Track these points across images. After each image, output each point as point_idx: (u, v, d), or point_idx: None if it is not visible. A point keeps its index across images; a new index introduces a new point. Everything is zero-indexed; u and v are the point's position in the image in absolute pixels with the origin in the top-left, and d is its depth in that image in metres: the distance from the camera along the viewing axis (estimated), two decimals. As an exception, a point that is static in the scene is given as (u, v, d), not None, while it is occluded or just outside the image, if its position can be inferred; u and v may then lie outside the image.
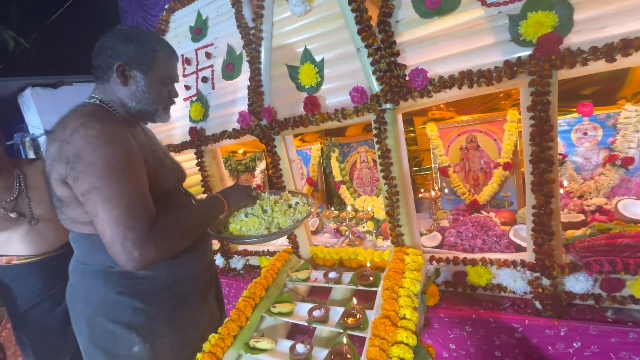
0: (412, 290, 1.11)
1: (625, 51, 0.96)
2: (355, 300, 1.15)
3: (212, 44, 1.92)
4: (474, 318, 1.28)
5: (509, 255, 1.40)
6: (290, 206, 1.24)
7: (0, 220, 1.50)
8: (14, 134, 4.70)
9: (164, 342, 1.02)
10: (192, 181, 2.07)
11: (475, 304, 1.33)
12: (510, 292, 1.31)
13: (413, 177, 2.21)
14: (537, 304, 1.23)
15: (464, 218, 1.77)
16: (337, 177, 2.39)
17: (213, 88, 1.91)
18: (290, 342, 1.07)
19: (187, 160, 2.14)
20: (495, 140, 1.91)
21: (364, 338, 0.98)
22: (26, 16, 5.42)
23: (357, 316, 1.09)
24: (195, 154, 1.99)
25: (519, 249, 1.44)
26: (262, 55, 1.63)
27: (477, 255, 1.42)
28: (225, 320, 1.15)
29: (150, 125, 1.25)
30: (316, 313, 1.15)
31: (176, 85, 1.12)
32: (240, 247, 2.09)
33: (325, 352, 1.00)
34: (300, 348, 1.02)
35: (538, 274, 1.23)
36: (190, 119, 1.97)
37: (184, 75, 2.02)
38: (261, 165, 2.74)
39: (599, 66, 1.02)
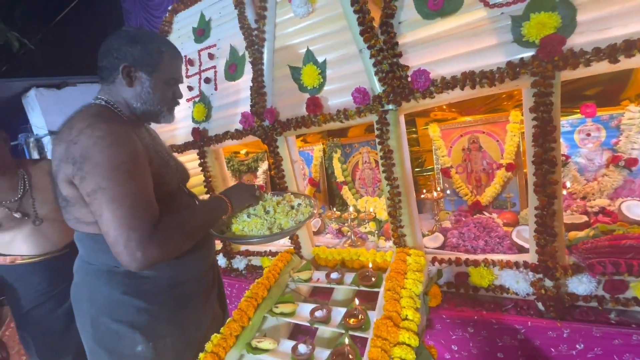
0: (414, 291, 1.11)
1: (628, 52, 0.96)
2: (357, 301, 1.15)
3: (214, 45, 1.93)
4: (476, 319, 1.28)
5: (511, 256, 1.40)
6: (292, 207, 1.24)
7: (5, 220, 1.51)
8: (18, 134, 4.73)
9: (166, 341, 1.03)
10: (195, 181, 2.07)
11: (478, 305, 1.33)
12: (512, 293, 1.30)
13: (415, 178, 2.21)
14: (540, 305, 1.23)
15: (466, 219, 1.76)
16: (339, 177, 2.39)
17: (216, 89, 1.92)
18: (292, 343, 1.07)
19: (189, 160, 2.15)
20: (497, 141, 1.90)
21: (366, 339, 0.99)
22: (30, 17, 5.46)
23: (359, 317, 1.09)
24: (198, 154, 2.00)
25: (521, 250, 1.44)
26: (265, 56, 1.63)
27: (480, 257, 1.42)
28: (227, 321, 1.16)
29: (153, 126, 1.26)
30: (318, 313, 1.15)
31: (179, 86, 1.12)
32: (243, 248, 2.10)
33: (327, 353, 1.01)
34: (303, 348, 1.02)
35: (541, 275, 1.23)
36: (193, 120, 1.97)
37: (187, 76, 2.03)
38: (263, 166, 2.75)
39: (602, 67, 1.02)
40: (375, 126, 1.39)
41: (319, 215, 2.32)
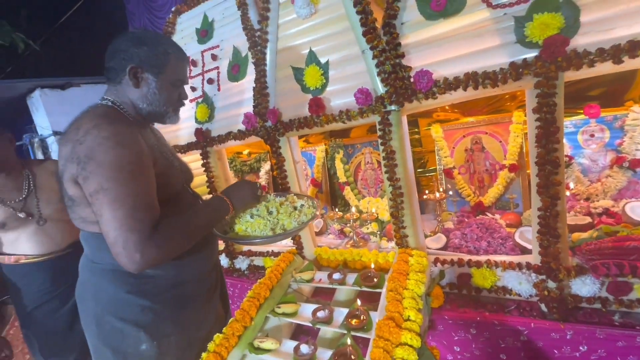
0: (417, 291, 1.11)
1: (632, 53, 0.96)
2: (359, 302, 1.15)
3: (218, 46, 1.94)
4: (479, 320, 1.28)
5: (514, 257, 1.39)
6: (295, 208, 1.25)
7: (9, 220, 1.52)
8: (23, 134, 4.76)
9: (170, 340, 1.03)
10: (198, 182, 2.08)
11: (480, 307, 1.33)
12: (515, 294, 1.30)
13: (418, 178, 2.21)
14: (543, 306, 1.22)
15: (468, 220, 1.76)
16: (342, 178, 2.39)
17: (219, 89, 1.93)
18: (294, 343, 1.07)
19: (192, 161, 2.15)
20: (500, 141, 1.90)
21: (368, 339, 0.98)
22: (35, 19, 5.51)
23: (361, 317, 1.09)
24: (201, 154, 2.00)
25: (524, 251, 1.43)
26: (268, 57, 1.64)
27: (482, 257, 1.41)
28: (230, 320, 1.16)
29: (157, 126, 1.26)
30: (320, 314, 1.15)
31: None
32: (245, 248, 2.10)
33: (329, 353, 1.01)
34: (305, 349, 1.02)
35: (544, 277, 1.23)
36: (196, 120, 1.98)
37: (190, 77, 2.04)
38: (266, 166, 2.75)
39: (606, 68, 1.02)
40: (378, 127, 1.39)
41: (321, 216, 2.32)
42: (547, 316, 1.20)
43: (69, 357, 1.64)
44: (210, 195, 2.02)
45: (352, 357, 0.96)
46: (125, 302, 0.99)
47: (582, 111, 1.68)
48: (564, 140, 1.42)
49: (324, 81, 1.49)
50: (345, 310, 1.15)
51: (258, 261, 2.03)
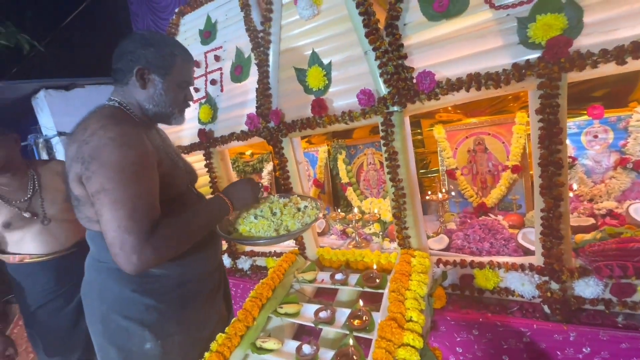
0: (419, 292, 1.11)
1: (636, 54, 0.95)
2: (361, 302, 1.15)
3: (221, 47, 1.95)
4: (481, 321, 1.27)
5: (517, 258, 1.39)
6: (299, 209, 1.25)
7: (14, 220, 1.53)
8: (28, 135, 4.80)
9: (174, 340, 1.04)
10: (201, 182, 2.09)
11: (483, 308, 1.33)
12: (518, 295, 1.30)
13: (420, 179, 2.21)
14: (546, 308, 1.22)
15: (471, 221, 1.75)
16: (344, 179, 2.39)
17: (222, 90, 1.94)
18: (296, 343, 1.07)
19: (195, 161, 2.16)
20: (503, 142, 1.89)
21: (370, 340, 0.99)
22: (40, 20, 5.56)
23: (364, 318, 1.09)
24: (204, 155, 2.01)
25: (527, 252, 1.43)
26: (271, 58, 1.65)
27: (485, 259, 1.41)
28: (232, 320, 1.16)
29: (161, 127, 1.27)
30: (322, 314, 1.15)
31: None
32: (248, 248, 2.11)
33: (331, 354, 1.01)
34: (307, 349, 1.02)
35: (547, 278, 1.22)
36: (199, 121, 1.99)
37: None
38: (268, 167, 2.76)
39: (609, 69, 1.01)
40: (380, 128, 1.39)
41: (323, 217, 2.32)
42: (550, 318, 1.20)
43: (73, 355, 1.65)
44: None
45: (354, 357, 0.97)
46: (130, 301, 1.00)
47: (585, 112, 1.68)
48: (567, 141, 1.41)
49: (327, 82, 1.49)
50: (347, 311, 1.15)
51: (260, 261, 2.04)
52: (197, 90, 2.03)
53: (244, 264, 2.07)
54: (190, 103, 1.15)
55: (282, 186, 1.78)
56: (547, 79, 1.07)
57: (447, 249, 1.61)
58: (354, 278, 1.35)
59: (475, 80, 1.16)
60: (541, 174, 1.15)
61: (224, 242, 2.10)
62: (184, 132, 2.09)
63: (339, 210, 2.24)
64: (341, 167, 2.40)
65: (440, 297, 1.36)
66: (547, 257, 1.20)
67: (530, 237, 1.46)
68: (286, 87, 1.63)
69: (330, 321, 1.13)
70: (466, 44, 1.20)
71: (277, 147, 1.70)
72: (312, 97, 1.53)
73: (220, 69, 1.95)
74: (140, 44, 0.98)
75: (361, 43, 1.37)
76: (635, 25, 0.97)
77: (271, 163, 2.75)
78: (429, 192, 1.96)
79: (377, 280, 1.27)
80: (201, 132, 1.95)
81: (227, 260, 2.14)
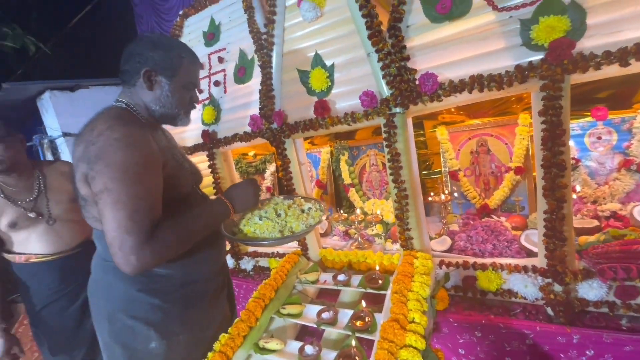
0: (421, 294, 1.11)
1: (639, 55, 0.95)
2: (364, 303, 1.15)
3: (224, 49, 1.96)
4: (484, 323, 1.27)
5: (520, 260, 1.38)
6: (303, 211, 1.26)
7: (20, 220, 1.55)
8: (33, 135, 4.84)
9: (179, 339, 1.05)
10: (204, 182, 2.08)
11: (485, 309, 1.32)
12: (521, 297, 1.29)
13: (423, 180, 2.20)
14: (549, 310, 1.22)
15: (474, 222, 1.75)
16: (347, 180, 2.40)
17: (225, 92, 1.95)
18: (299, 344, 1.08)
19: (199, 162, 2.17)
20: (506, 144, 1.89)
21: (373, 341, 0.99)
22: (46, 22, 5.61)
23: (366, 319, 1.09)
24: (207, 156, 2.02)
25: (530, 254, 1.42)
26: (274, 59, 1.65)
27: (488, 260, 1.41)
28: (235, 321, 1.17)
29: (165, 128, 1.28)
30: (325, 315, 1.16)
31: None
32: (250, 249, 2.12)
33: (333, 354, 1.01)
34: (309, 349, 1.03)
35: (550, 280, 1.22)
36: (203, 122, 2.00)
37: (197, 80, 2.06)
38: (271, 168, 2.77)
39: (613, 70, 1.01)
40: (383, 129, 1.39)
41: (326, 218, 2.32)
42: (554, 320, 1.20)
43: (77, 354, 1.66)
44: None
45: (357, 358, 0.97)
46: (136, 300, 1.01)
47: (589, 113, 1.67)
48: (571, 143, 1.40)
49: (330, 84, 1.50)
50: (350, 312, 1.16)
51: (263, 262, 2.05)
52: (200, 91, 2.03)
53: (247, 264, 2.08)
54: (196, 104, 1.16)
55: (285, 187, 1.79)
56: (550, 81, 1.07)
57: (449, 250, 1.61)
58: (356, 279, 1.35)
59: (477, 82, 1.16)
60: (544, 176, 1.15)
61: (227, 243, 2.11)
62: (187, 133, 2.11)
63: (342, 211, 2.24)
64: (344, 168, 2.40)
65: (442, 298, 1.36)
66: (550, 259, 1.20)
67: (533, 238, 1.45)
68: (289, 89, 1.64)
69: (332, 322, 1.14)
70: (469, 45, 1.20)
71: (280, 148, 1.71)
72: (315, 99, 1.54)
73: (223, 70, 1.96)
74: (148, 47, 0.99)
75: (364, 45, 1.38)
76: (639, 27, 0.97)
77: (274, 164, 2.76)
78: (432, 194, 1.96)
79: (380, 282, 1.27)
80: (204, 133, 1.96)
81: (230, 261, 2.15)
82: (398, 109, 1.33)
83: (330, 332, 1.19)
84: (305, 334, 1.34)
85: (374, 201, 2.19)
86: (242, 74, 1.85)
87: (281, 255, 1.94)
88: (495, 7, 1.15)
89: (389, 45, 1.31)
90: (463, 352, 1.33)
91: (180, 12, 2.19)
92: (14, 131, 1.56)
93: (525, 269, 1.29)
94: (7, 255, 1.58)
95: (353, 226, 1.99)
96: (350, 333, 1.07)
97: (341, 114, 1.46)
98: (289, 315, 1.23)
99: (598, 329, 1.11)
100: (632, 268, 1.07)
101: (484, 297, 1.38)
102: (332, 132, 1.61)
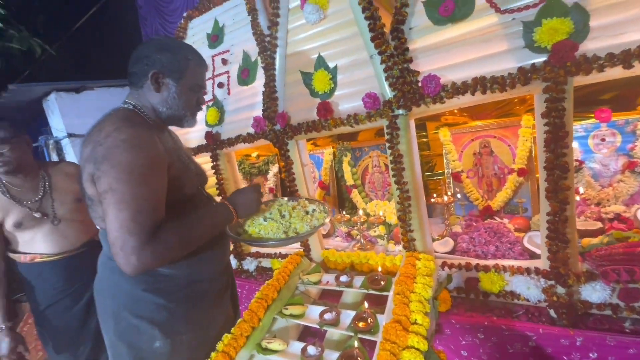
0: (424, 295, 1.11)
1: (643, 57, 0.95)
2: (366, 304, 1.16)
3: (228, 51, 1.97)
4: (487, 325, 1.27)
5: (522, 262, 1.38)
6: (307, 212, 1.27)
7: (26, 220, 1.57)
8: (39, 136, 4.88)
9: (183, 339, 1.06)
10: (208, 183, 2.11)
11: (488, 311, 1.32)
12: (523, 299, 1.29)
13: (425, 182, 2.20)
14: (552, 312, 1.21)
15: (476, 224, 1.75)
16: (349, 181, 2.40)
17: (229, 93, 1.96)
18: (301, 344, 1.08)
19: (202, 163, 2.18)
20: (509, 145, 1.89)
21: (375, 342, 0.99)
22: (52, 25, 5.67)
23: (368, 320, 1.09)
24: (211, 157, 2.04)
25: (533, 256, 1.42)
26: (277, 61, 1.66)
27: (490, 262, 1.41)
28: (238, 321, 1.18)
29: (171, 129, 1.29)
30: (327, 316, 1.16)
31: None
32: (253, 249, 2.13)
33: (336, 355, 1.01)
34: (312, 350, 1.03)
35: (552, 282, 1.22)
36: (207, 123, 2.02)
37: (201, 81, 2.08)
38: (274, 169, 2.77)
39: (616, 72, 1.01)
40: (386, 131, 1.40)
41: (329, 219, 2.33)
42: (556, 322, 1.19)
43: (81, 352, 1.68)
44: (220, 198, 2.05)
45: (359, 359, 0.97)
46: (141, 300, 1.02)
47: (593, 115, 1.67)
48: (574, 145, 1.40)
49: (333, 85, 1.50)
50: (352, 313, 1.16)
51: (266, 263, 2.05)
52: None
53: (250, 265, 2.09)
54: (202, 106, 1.17)
55: (288, 188, 1.79)
56: (553, 83, 1.07)
57: (452, 252, 1.61)
58: (358, 280, 1.35)
59: (480, 84, 1.17)
60: (547, 178, 1.15)
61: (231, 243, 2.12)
62: (191, 134, 2.12)
63: (344, 212, 2.25)
64: (346, 169, 2.40)
65: (445, 300, 1.36)
66: (553, 261, 1.19)
67: (536, 240, 1.45)
68: (292, 91, 1.65)
69: (335, 323, 1.14)
70: (471, 47, 1.20)
71: (283, 149, 1.72)
72: (318, 100, 1.54)
73: (227, 72, 1.97)
74: (156, 49, 1.01)
75: (367, 47, 1.38)
76: (642, 29, 0.97)
77: (277, 165, 2.77)
78: (435, 195, 1.96)
79: (382, 283, 1.28)
80: (208, 135, 1.97)
81: (233, 261, 2.16)
82: (401, 111, 1.34)
83: (333, 333, 1.19)
84: (307, 334, 1.35)
85: (377, 202, 2.19)
86: (245, 76, 1.86)
87: (284, 256, 1.95)
88: (498, 9, 1.15)
89: (392, 47, 1.32)
90: (465, 354, 1.33)
91: (185, 14, 2.21)
92: (20, 132, 1.58)
93: (528, 270, 1.29)
94: (12, 255, 1.60)
95: (355, 227, 1.99)
96: (352, 334, 1.07)
97: (344, 116, 1.47)
98: (292, 315, 1.24)
99: (601, 332, 1.11)
100: (635, 270, 1.07)
101: (486, 298, 1.38)
102: (335, 133, 1.62)
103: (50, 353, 1.69)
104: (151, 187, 0.90)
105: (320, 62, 1.53)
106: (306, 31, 1.58)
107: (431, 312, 1.08)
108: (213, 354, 1.06)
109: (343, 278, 1.36)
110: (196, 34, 2.15)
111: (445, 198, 1.87)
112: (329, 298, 1.46)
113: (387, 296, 1.19)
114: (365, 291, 1.29)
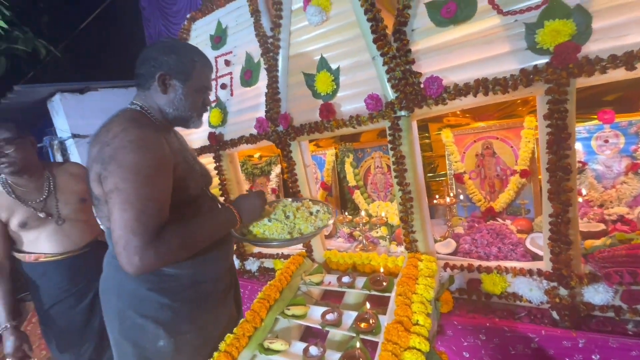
0: (426, 296, 1.12)
1: (645, 59, 0.95)
2: (368, 305, 1.16)
3: (231, 52, 1.98)
4: (489, 326, 1.27)
5: (525, 263, 1.38)
6: (311, 213, 1.27)
7: (30, 220, 1.58)
8: (43, 137, 4.92)
9: (186, 338, 1.06)
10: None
11: (490, 312, 1.32)
12: (526, 301, 1.29)
13: (428, 183, 2.20)
14: (554, 314, 1.21)
15: (479, 225, 1.75)
16: (351, 182, 2.40)
17: (232, 94, 1.97)
18: (303, 345, 1.09)
19: (205, 164, 2.20)
20: (511, 146, 1.89)
21: (377, 342, 0.99)
22: (56, 26, 5.72)
23: (370, 321, 1.10)
24: (214, 158, 2.05)
25: (535, 257, 1.42)
26: (280, 63, 1.67)
27: (492, 263, 1.41)
28: (240, 321, 1.18)
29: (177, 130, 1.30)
30: (329, 316, 1.16)
31: None
32: (256, 250, 2.13)
33: (338, 356, 1.02)
34: (314, 350, 1.04)
35: (555, 284, 1.21)
36: (210, 125, 2.03)
37: (204, 82, 2.09)
38: (276, 170, 2.78)
39: (618, 74, 1.01)
40: (388, 132, 1.40)
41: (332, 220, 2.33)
42: (559, 324, 1.19)
43: (85, 350, 1.69)
44: (223, 198, 2.06)
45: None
46: (146, 299, 1.03)
47: (596, 116, 1.66)
48: (578, 146, 1.40)
49: (335, 87, 1.51)
50: (354, 314, 1.16)
51: (268, 263, 2.06)
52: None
53: (252, 265, 2.09)
54: (208, 107, 1.18)
55: (290, 189, 1.80)
56: (555, 85, 1.07)
57: (454, 253, 1.61)
58: (360, 281, 1.36)
59: (482, 86, 1.17)
60: (549, 179, 1.15)
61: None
62: (194, 135, 2.13)
63: (347, 213, 2.25)
64: (348, 170, 2.41)
65: (447, 301, 1.36)
66: (556, 263, 1.19)
67: (539, 242, 1.45)
68: (295, 92, 1.65)
69: (337, 323, 1.14)
70: (474, 49, 1.21)
71: (285, 150, 1.73)
72: (321, 102, 1.55)
73: (230, 73, 1.98)
74: (163, 51, 1.02)
75: (369, 48, 1.39)
76: (645, 31, 0.97)
77: (279, 166, 2.78)
78: (437, 196, 1.96)
79: (384, 284, 1.28)
80: (211, 135, 1.98)
81: (235, 262, 2.17)
82: (403, 112, 1.34)
83: (335, 334, 1.19)
84: (309, 335, 1.35)
85: (379, 203, 2.19)
86: (248, 77, 1.87)
87: (286, 257, 1.95)
88: (500, 10, 1.15)
89: (394, 48, 1.32)
90: (467, 355, 1.33)
91: (188, 16, 2.22)
92: (25, 133, 1.59)
93: (530, 272, 1.28)
94: (17, 255, 1.61)
95: (358, 228, 2.00)
96: (354, 334, 1.07)
97: (346, 117, 1.47)
98: (294, 316, 1.24)
99: (604, 334, 1.11)
100: (638, 272, 1.07)
101: (488, 300, 1.38)
102: (337, 134, 1.63)
103: (54, 352, 1.70)
104: (157, 188, 0.91)
105: (323, 64, 1.53)
106: (309, 33, 1.58)
107: (433, 313, 1.08)
108: (216, 354, 1.06)
109: (345, 279, 1.37)
110: (199, 35, 2.16)
111: (448, 199, 1.87)
112: (331, 299, 1.46)
113: (389, 297, 1.20)
114: (367, 292, 1.30)
